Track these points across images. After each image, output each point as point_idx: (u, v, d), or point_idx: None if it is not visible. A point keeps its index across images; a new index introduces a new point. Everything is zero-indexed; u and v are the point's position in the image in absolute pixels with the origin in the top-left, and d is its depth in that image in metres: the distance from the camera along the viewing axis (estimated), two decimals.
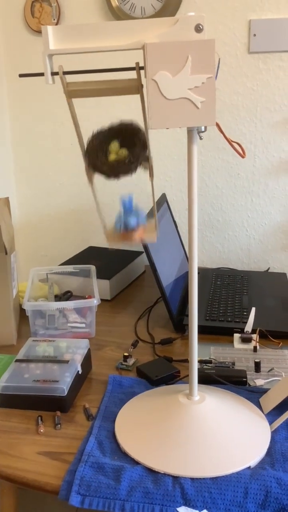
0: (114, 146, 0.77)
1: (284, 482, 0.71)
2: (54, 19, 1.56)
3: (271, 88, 1.49)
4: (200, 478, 0.73)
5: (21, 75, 0.70)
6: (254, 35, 1.45)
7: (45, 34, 0.67)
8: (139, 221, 0.85)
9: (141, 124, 0.76)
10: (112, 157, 0.77)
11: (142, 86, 0.70)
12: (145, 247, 1.16)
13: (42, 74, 0.69)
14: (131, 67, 0.70)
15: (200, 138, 0.75)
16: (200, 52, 0.66)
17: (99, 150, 0.77)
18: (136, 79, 0.69)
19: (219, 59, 0.62)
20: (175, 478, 0.73)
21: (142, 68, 0.68)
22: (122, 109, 1.62)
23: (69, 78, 0.70)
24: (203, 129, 0.73)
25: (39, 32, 1.59)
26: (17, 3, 1.61)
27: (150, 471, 0.75)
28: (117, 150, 0.77)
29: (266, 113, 1.51)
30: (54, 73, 0.69)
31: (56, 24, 1.57)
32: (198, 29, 0.67)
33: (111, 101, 1.60)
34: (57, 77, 0.69)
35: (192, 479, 0.73)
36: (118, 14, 1.49)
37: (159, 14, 1.46)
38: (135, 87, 0.70)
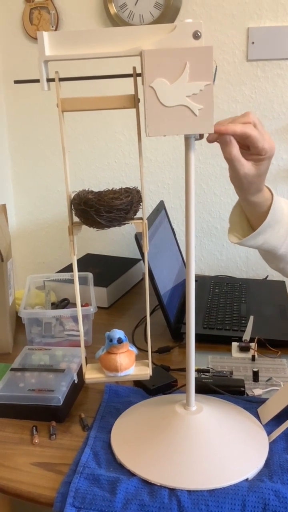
0: None
1: (282, 494, 0.70)
2: (52, 26, 1.56)
3: (269, 96, 1.49)
4: (197, 491, 0.71)
5: (16, 82, 0.70)
6: (253, 42, 1.45)
7: (40, 39, 0.66)
8: (126, 339, 0.80)
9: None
10: None
11: (138, 100, 0.69)
12: (142, 254, 1.15)
13: (37, 81, 0.68)
14: (128, 74, 0.69)
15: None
16: (198, 59, 0.66)
17: (89, 193, 0.73)
18: (132, 95, 0.68)
19: (216, 66, 0.62)
20: (172, 490, 0.72)
21: (139, 74, 0.68)
22: (120, 114, 1.62)
23: (65, 85, 0.69)
24: (198, 136, 0.73)
25: (37, 39, 1.59)
26: (15, 10, 1.61)
27: (146, 483, 0.73)
28: None
29: (264, 121, 1.51)
30: (49, 80, 0.68)
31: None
32: (196, 35, 0.66)
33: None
34: (53, 84, 0.69)
35: (189, 491, 0.71)
36: (116, 22, 1.50)
37: (157, 22, 1.46)
38: (131, 101, 0.69)
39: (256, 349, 1.08)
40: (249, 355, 1.09)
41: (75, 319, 1.18)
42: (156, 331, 1.23)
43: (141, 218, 0.74)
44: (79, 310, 0.81)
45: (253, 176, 0.82)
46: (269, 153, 0.80)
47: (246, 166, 0.80)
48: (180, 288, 1.36)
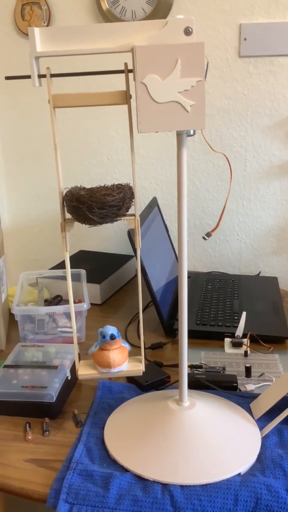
0: None
1: (274, 489, 0.70)
2: (44, 22, 1.55)
3: (261, 93, 1.49)
4: (189, 486, 0.72)
5: (7, 78, 0.69)
6: (245, 39, 1.45)
7: (31, 35, 0.66)
8: (118, 335, 0.81)
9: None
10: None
11: (130, 96, 0.69)
12: (135, 251, 1.15)
13: (29, 77, 0.68)
14: (120, 70, 0.69)
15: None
16: (190, 55, 0.66)
17: (81, 189, 0.73)
18: (124, 91, 0.68)
19: (208, 62, 0.62)
20: (165, 486, 0.72)
21: (131, 70, 0.68)
22: (112, 110, 1.61)
23: (57, 81, 0.69)
24: (191, 133, 0.73)
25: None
26: (7, 6, 1.60)
27: (139, 478, 0.74)
28: None
29: (256, 117, 1.51)
30: (41, 76, 0.68)
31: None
32: (187, 32, 0.66)
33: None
34: (44, 80, 0.69)
35: (182, 486, 0.72)
36: (108, 18, 1.49)
37: (149, 18, 1.46)
38: (123, 97, 0.69)
39: (248, 344, 1.09)
40: (241, 350, 1.09)
41: (68, 315, 1.18)
42: (149, 327, 1.23)
43: (133, 215, 0.75)
44: (72, 307, 0.81)
45: None
46: None
47: None
48: (173, 285, 1.36)
